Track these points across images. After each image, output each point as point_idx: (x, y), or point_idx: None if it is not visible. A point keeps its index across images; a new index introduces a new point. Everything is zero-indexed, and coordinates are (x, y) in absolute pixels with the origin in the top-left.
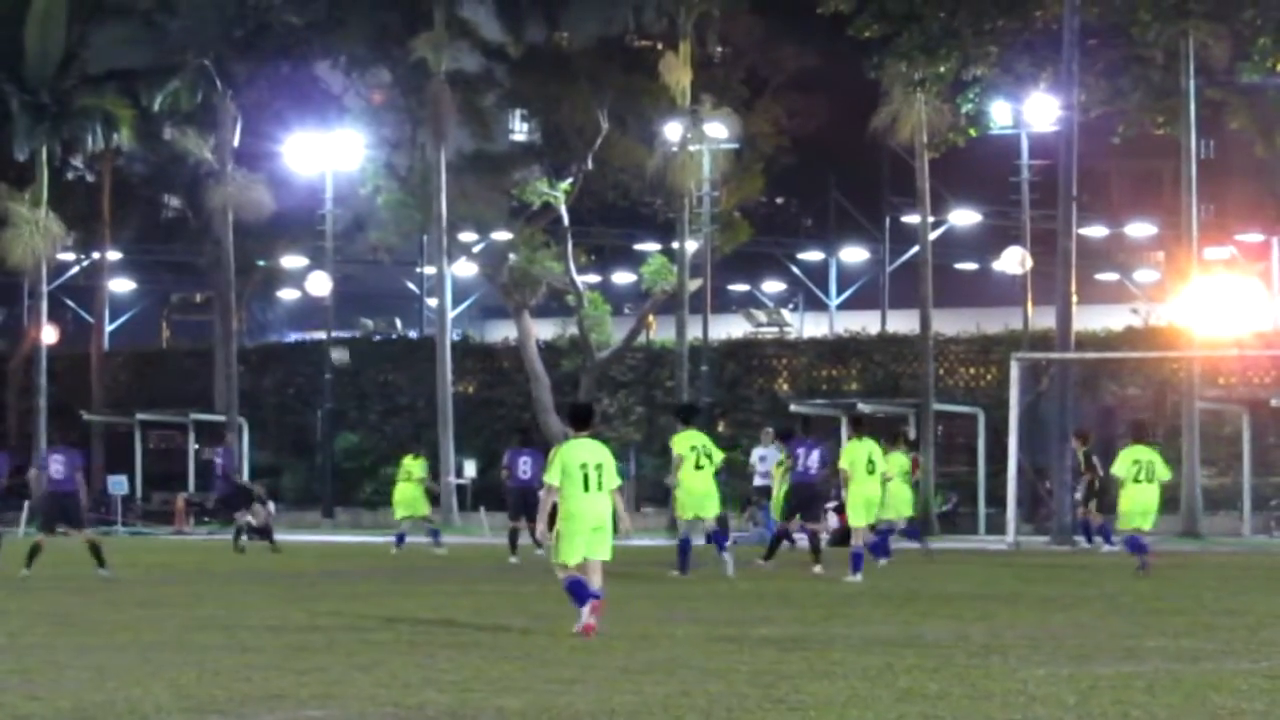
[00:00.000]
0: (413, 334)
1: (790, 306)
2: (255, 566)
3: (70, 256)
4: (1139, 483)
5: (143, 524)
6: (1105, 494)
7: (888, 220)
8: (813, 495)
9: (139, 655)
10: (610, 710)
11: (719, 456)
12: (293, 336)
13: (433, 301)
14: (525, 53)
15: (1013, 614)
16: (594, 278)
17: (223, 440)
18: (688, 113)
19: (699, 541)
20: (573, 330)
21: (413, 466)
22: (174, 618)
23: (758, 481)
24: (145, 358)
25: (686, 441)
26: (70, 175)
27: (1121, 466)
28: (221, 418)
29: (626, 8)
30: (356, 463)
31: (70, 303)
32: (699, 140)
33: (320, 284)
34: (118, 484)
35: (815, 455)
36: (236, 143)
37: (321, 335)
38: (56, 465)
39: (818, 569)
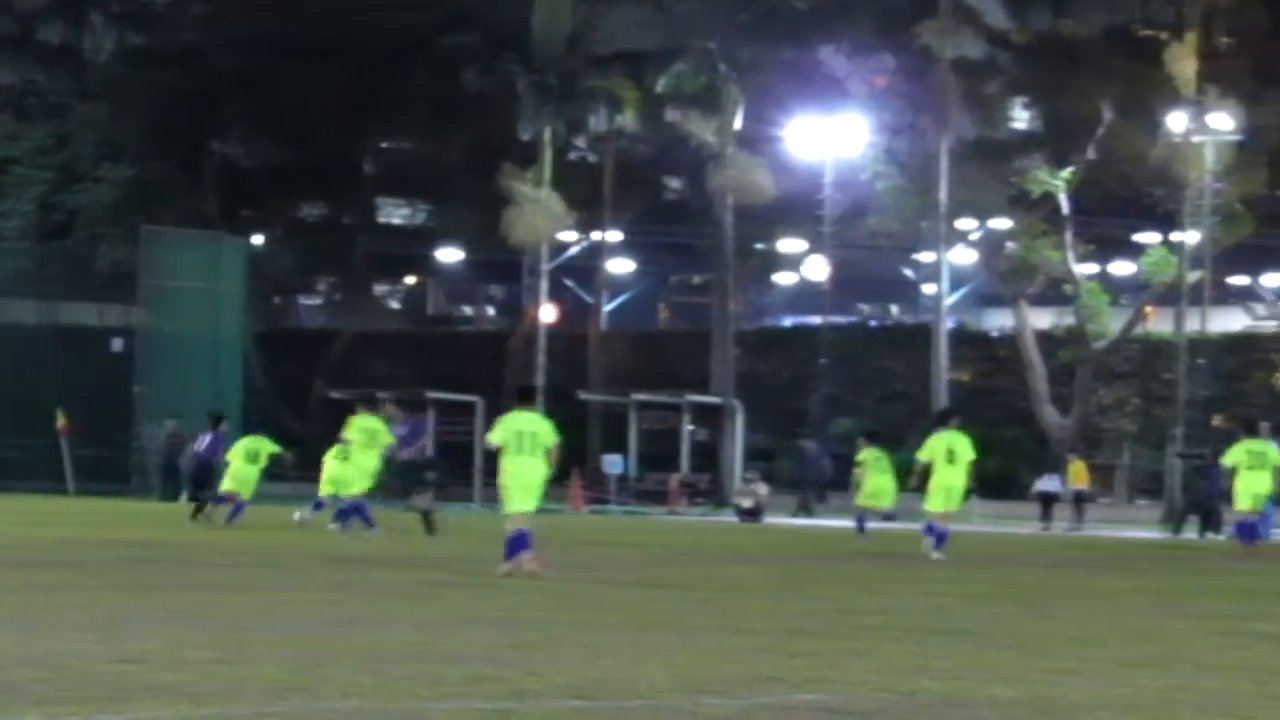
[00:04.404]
0: (908, 320)
1: None
2: (747, 549)
3: (571, 236)
4: (951, 465)
5: (637, 503)
6: None
7: None
8: None
9: (634, 634)
10: (1105, 703)
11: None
12: (789, 321)
13: (929, 288)
14: (1030, 40)
15: None
16: (1092, 268)
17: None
18: (1192, 103)
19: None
20: (1070, 320)
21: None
22: (668, 598)
23: None
24: (643, 339)
25: (513, 425)
26: (573, 156)
27: (930, 451)
28: (717, 400)
29: None
30: (851, 448)
31: (569, 283)
32: (1203, 131)
33: (818, 269)
34: (613, 463)
35: None
36: (738, 126)
37: (818, 320)
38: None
39: None
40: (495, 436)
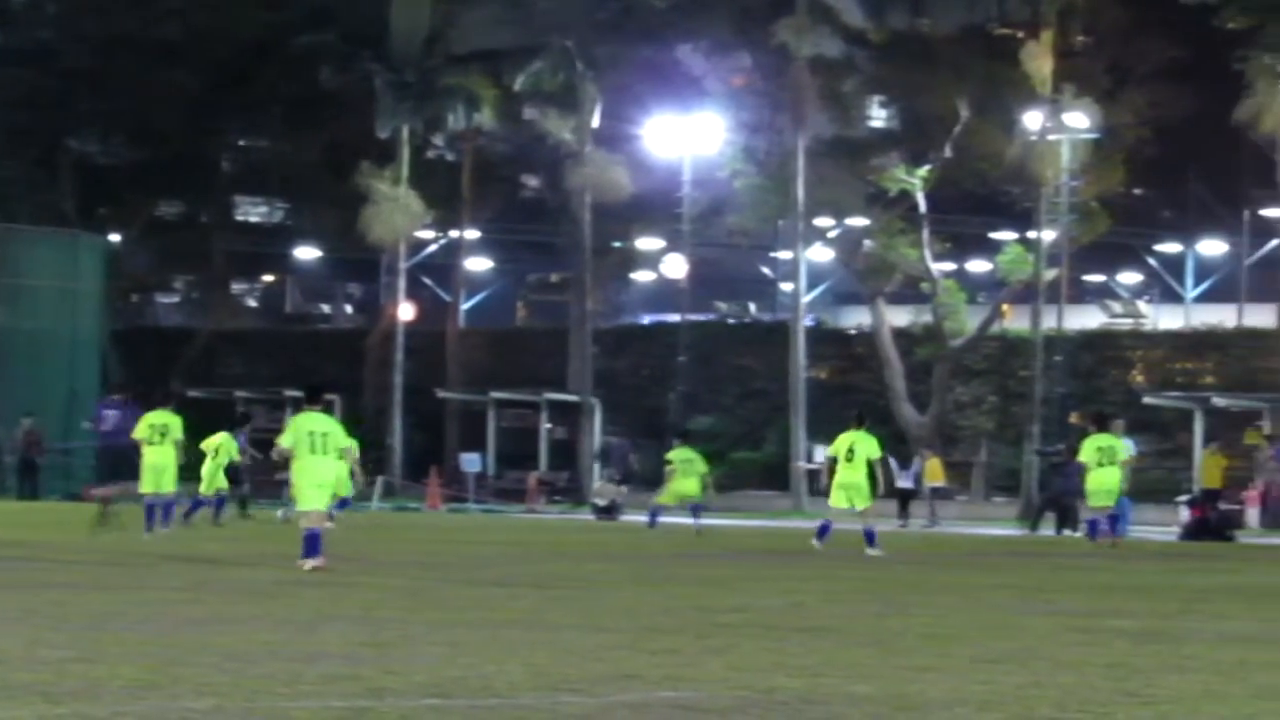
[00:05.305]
0: (766, 318)
1: (1145, 298)
2: (609, 547)
3: (429, 235)
4: (849, 463)
5: (495, 501)
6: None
7: (1247, 213)
8: None
9: (492, 632)
10: (962, 699)
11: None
12: (647, 319)
13: (787, 286)
14: (887, 39)
15: None
16: (949, 266)
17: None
18: (1048, 102)
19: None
20: (927, 318)
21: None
22: (527, 596)
23: None
24: (501, 337)
25: (304, 426)
26: (431, 154)
27: (834, 448)
28: (575, 398)
29: None
30: (709, 446)
31: (428, 281)
32: (1059, 130)
33: (676, 266)
34: (471, 461)
35: None
36: (596, 124)
37: (676, 317)
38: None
39: None
40: (286, 440)
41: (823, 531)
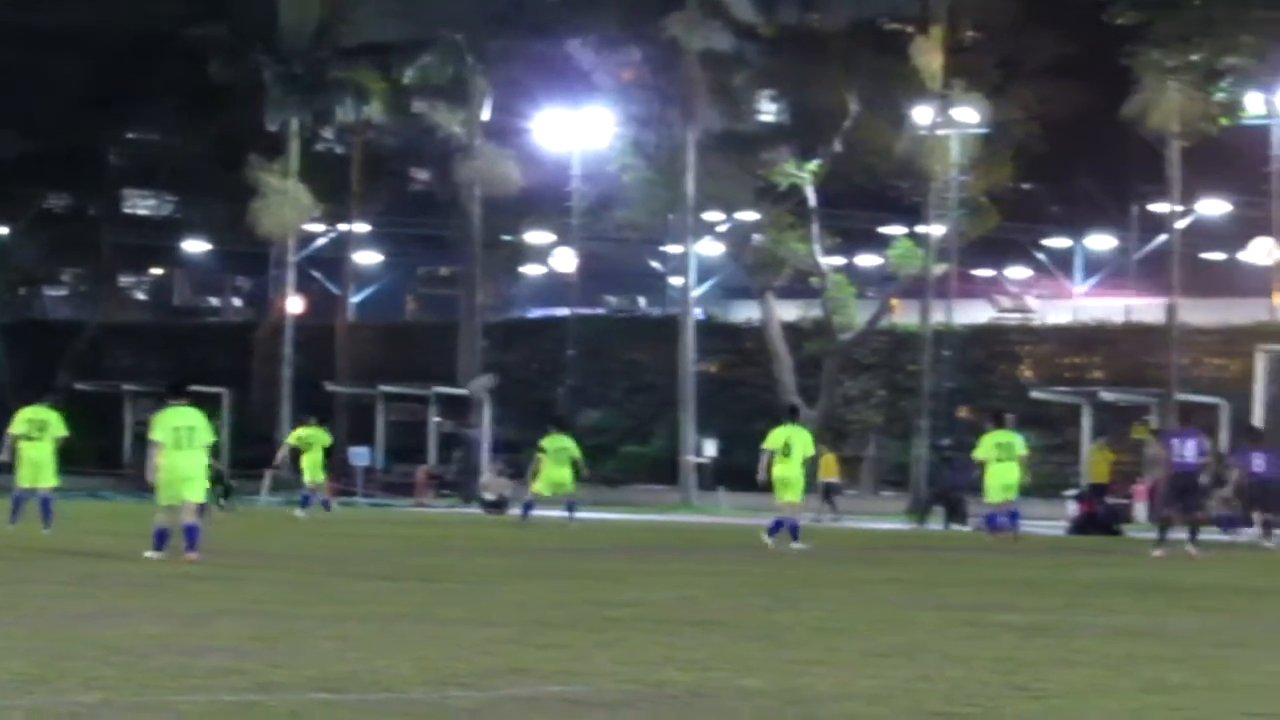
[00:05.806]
0: (656, 312)
1: (1034, 293)
2: (498, 541)
3: (318, 228)
4: (786, 458)
5: (383, 495)
6: None
7: (1135, 208)
8: (1192, 484)
9: (382, 626)
10: (851, 693)
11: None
12: (537, 313)
13: (677, 280)
14: (777, 33)
15: (1259, 608)
16: (839, 260)
17: None
18: (938, 97)
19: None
20: (816, 312)
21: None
22: (416, 590)
23: None
24: (390, 330)
25: (170, 422)
26: (321, 147)
27: (771, 442)
28: (464, 391)
29: None
30: (599, 439)
31: (317, 274)
32: (948, 124)
33: (566, 260)
34: (359, 455)
35: (1191, 445)
36: (486, 117)
37: (565, 311)
38: None
39: (1193, 551)
40: (156, 434)
41: (776, 528)
